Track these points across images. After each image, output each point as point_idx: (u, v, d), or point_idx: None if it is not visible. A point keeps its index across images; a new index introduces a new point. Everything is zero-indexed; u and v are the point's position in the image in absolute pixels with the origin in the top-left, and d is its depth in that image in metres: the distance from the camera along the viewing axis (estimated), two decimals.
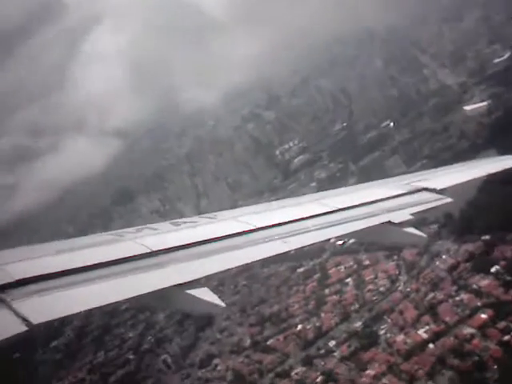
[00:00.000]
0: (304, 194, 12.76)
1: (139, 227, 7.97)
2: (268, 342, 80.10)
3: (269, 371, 74.30)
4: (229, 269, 6.97)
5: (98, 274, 6.16)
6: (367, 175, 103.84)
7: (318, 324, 77.76)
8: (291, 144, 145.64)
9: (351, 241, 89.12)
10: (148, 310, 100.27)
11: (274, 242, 7.67)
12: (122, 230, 7.82)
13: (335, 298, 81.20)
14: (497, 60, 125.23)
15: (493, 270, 67.82)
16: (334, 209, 9.06)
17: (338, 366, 68.06)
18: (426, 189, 10.32)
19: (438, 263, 76.04)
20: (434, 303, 68.89)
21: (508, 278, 65.53)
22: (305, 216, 8.68)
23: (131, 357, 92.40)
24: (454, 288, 69.41)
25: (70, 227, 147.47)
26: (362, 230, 8.56)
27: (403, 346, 65.08)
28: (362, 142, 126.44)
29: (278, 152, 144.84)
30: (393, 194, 10.04)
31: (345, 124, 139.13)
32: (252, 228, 7.94)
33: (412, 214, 9.03)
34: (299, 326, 79.29)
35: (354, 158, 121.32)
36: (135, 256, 6.67)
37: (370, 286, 79.27)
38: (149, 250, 6.81)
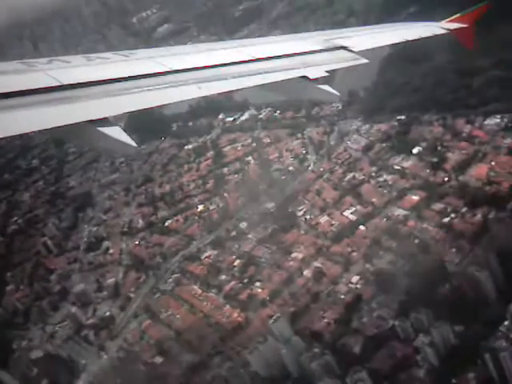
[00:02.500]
0: None
1: (51, 58, 7.49)
2: (166, 224, 74.00)
3: (173, 254, 68.75)
4: (143, 109, 6.85)
5: (6, 104, 5.85)
6: None
7: (222, 205, 72.78)
8: (149, 12, 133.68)
9: (244, 117, 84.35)
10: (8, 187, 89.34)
11: (189, 87, 7.49)
12: (33, 59, 7.32)
13: (237, 177, 76.38)
14: None
15: (415, 151, 66.54)
16: (251, 58, 8.88)
17: (256, 249, 64.12)
18: (344, 47, 10.25)
19: (349, 143, 73.63)
20: (355, 184, 66.76)
21: (433, 159, 64.55)
22: (222, 62, 8.45)
23: None
24: (374, 169, 67.50)
25: None
26: (277, 82, 8.44)
27: (329, 227, 62.59)
28: (235, 13, 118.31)
29: (135, 20, 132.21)
30: (311, 48, 9.96)
31: None
32: (167, 70, 7.70)
33: (327, 72, 9.03)
34: (200, 207, 73.93)
35: (228, 30, 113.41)
36: (45, 88, 6.37)
37: (277, 165, 75.27)
38: (59, 83, 6.52)
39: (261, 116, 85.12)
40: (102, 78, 7.00)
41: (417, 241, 56.83)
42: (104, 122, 6.17)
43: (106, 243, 75.28)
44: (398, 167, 65.71)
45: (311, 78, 8.74)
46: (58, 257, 75.65)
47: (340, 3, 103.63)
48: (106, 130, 6.07)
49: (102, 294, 68.25)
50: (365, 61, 10.02)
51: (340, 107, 79.38)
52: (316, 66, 9.23)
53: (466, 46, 13.97)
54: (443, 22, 13.23)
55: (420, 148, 66.56)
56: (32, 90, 6.26)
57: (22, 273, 74.18)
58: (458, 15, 13.40)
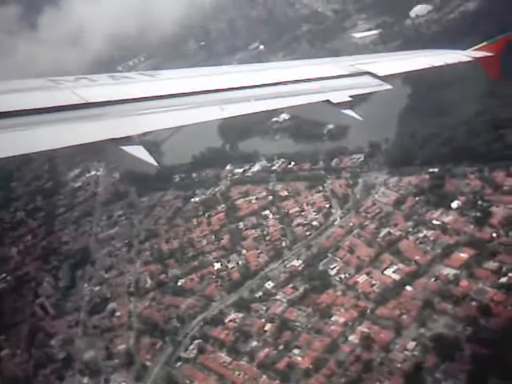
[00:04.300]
0: None
1: (77, 76, 7.70)
2: (178, 283, 67.58)
3: (191, 317, 62.33)
4: (165, 128, 7.09)
5: (32, 120, 5.95)
6: None
7: (241, 262, 67.03)
8: (136, 61, 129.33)
9: (255, 169, 79.81)
10: None
11: (211, 108, 7.53)
12: (59, 77, 7.45)
13: (255, 232, 70.79)
14: None
15: (453, 205, 62.38)
16: (275, 81, 8.91)
17: (288, 312, 58.36)
18: (369, 73, 10.35)
19: (376, 196, 69.16)
20: (392, 240, 61.92)
21: (476, 214, 60.43)
22: (245, 85, 8.41)
23: None
24: (410, 224, 62.97)
25: None
26: (300, 105, 8.53)
27: (370, 288, 57.38)
28: (230, 62, 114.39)
29: (120, 68, 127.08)
30: (335, 73, 10.09)
31: (202, 43, 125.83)
32: (191, 91, 7.77)
33: (351, 96, 9.09)
34: (216, 265, 67.86)
35: None
36: (71, 106, 6.47)
37: (299, 220, 70.05)
38: (85, 101, 6.63)
39: (274, 167, 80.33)
40: (127, 97, 7.10)
41: (474, 302, 51.96)
42: (127, 140, 6.19)
43: (111, 305, 68.20)
44: (438, 222, 61.33)
45: (334, 102, 8.69)
46: (57, 319, 68.15)
47: (345, 55, 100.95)
48: (129, 149, 6.09)
49: (112, 362, 61.08)
50: (389, 87, 9.91)
51: (362, 159, 75.28)
52: (339, 90, 9.20)
53: (490, 75, 13.79)
54: (469, 50, 13.10)
55: (459, 202, 62.39)
56: (58, 107, 6.34)
57: (17, 336, 66.41)
58: (484, 43, 13.32)
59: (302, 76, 9.45)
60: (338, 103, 8.75)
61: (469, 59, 12.70)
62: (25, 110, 6.05)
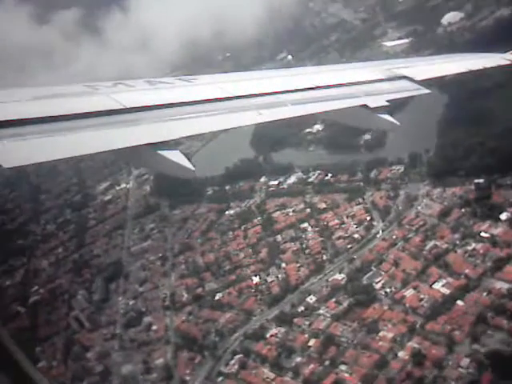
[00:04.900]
0: None
1: (115, 82, 7.65)
2: (216, 297, 65.93)
3: (231, 332, 60.69)
4: (203, 133, 7.16)
5: (71, 125, 5.96)
6: None
7: (281, 276, 65.32)
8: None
9: (290, 181, 78.17)
10: None
11: (249, 112, 7.51)
12: (97, 82, 7.46)
13: (294, 245, 69.03)
14: None
15: (503, 217, 60.32)
16: (311, 85, 8.80)
17: (332, 327, 56.51)
18: (406, 77, 10.18)
19: (419, 208, 67.24)
20: (439, 253, 59.89)
21: None
22: (282, 90, 8.41)
23: (19, 309, 72.20)
24: (457, 236, 60.93)
25: None
26: (337, 110, 8.40)
27: (418, 302, 55.38)
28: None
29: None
30: (373, 78, 9.88)
31: (228, 54, 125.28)
32: (228, 95, 7.76)
33: (388, 101, 8.91)
34: (255, 278, 66.18)
35: None
36: (109, 111, 6.47)
37: (339, 233, 68.24)
38: (122, 107, 6.62)
39: (310, 179, 78.67)
40: (165, 102, 7.07)
41: None
42: (164, 145, 6.24)
43: (146, 318, 66.65)
44: (487, 235, 59.24)
45: (371, 106, 8.62)
46: (93, 332, 66.68)
47: None
48: (166, 154, 6.14)
49: (151, 376, 59.52)
50: (427, 91, 9.79)
51: (402, 170, 73.48)
52: (377, 95, 9.09)
53: None
54: (508, 53, 12.66)
55: (508, 213, 60.35)
56: (95, 112, 6.33)
57: (53, 348, 65.06)
58: None
59: (339, 80, 9.35)
60: (375, 108, 8.65)
61: (508, 62, 12.24)
62: (62, 115, 6.04)
